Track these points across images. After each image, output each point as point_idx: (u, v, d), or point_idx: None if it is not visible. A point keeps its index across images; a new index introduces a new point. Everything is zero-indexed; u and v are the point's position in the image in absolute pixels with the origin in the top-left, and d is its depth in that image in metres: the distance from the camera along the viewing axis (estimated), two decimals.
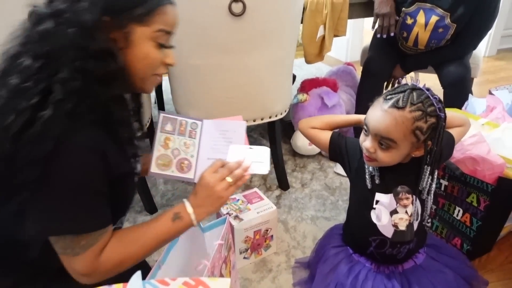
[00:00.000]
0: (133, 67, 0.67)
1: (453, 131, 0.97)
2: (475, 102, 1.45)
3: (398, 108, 0.80)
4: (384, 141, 0.83)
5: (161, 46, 0.70)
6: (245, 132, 0.98)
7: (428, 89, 0.85)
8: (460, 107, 1.46)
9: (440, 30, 1.52)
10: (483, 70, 1.82)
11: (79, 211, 0.62)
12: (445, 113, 0.83)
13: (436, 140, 0.84)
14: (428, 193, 0.91)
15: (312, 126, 1.05)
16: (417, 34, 1.57)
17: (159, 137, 0.92)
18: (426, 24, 1.52)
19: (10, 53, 0.62)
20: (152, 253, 0.73)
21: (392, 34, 1.58)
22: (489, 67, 3.09)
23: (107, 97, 0.64)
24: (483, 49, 3.37)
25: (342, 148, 1.00)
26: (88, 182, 0.62)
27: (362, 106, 1.79)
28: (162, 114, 0.94)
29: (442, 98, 1.59)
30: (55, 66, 0.59)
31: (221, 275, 0.89)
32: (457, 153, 1.14)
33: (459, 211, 1.18)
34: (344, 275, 0.98)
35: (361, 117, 1.02)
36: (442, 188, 1.21)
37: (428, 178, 0.89)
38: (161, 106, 2.20)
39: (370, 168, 0.93)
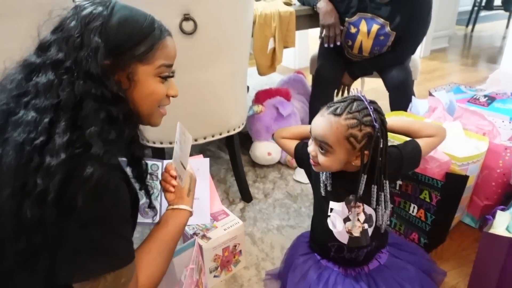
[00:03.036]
0: (140, 105, 0.67)
1: (421, 141, 0.98)
2: (418, 104, 1.55)
3: (335, 115, 0.87)
4: (322, 144, 0.89)
5: (165, 79, 0.70)
6: (209, 169, 1.03)
7: (372, 102, 0.89)
8: (405, 109, 1.56)
9: (382, 37, 1.62)
10: (420, 71, 1.98)
11: (117, 244, 0.62)
12: (382, 125, 0.87)
13: (374, 150, 0.86)
14: (378, 203, 0.92)
15: (282, 136, 1.13)
16: (361, 42, 1.66)
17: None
18: (368, 32, 1.61)
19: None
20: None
21: (338, 43, 1.65)
22: (424, 67, 3.33)
23: (130, 139, 0.65)
24: (418, 50, 3.62)
25: (304, 157, 1.04)
26: (123, 212, 0.63)
27: (314, 112, 1.84)
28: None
29: (388, 101, 1.71)
30: (74, 119, 0.57)
31: None
32: None
33: (414, 207, 1.26)
34: (314, 282, 1.00)
35: None
36: (397, 187, 1.28)
37: (375, 189, 0.90)
38: None
39: (323, 177, 0.97)
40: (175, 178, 0.83)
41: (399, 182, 1.27)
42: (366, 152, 0.87)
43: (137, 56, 0.64)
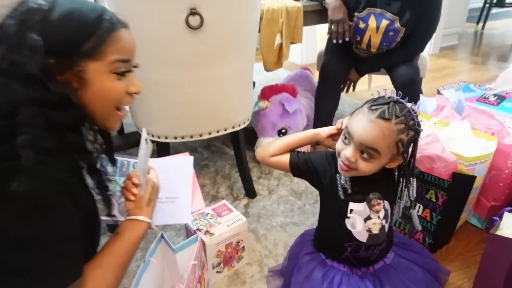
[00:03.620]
0: (93, 106, 0.61)
1: None
2: (426, 102, 1.53)
3: (385, 119, 0.81)
4: (368, 151, 0.83)
5: (122, 75, 0.64)
6: (192, 167, 0.98)
7: (401, 102, 0.88)
8: (412, 101, 1.54)
9: (391, 33, 1.60)
10: (429, 68, 1.96)
11: (55, 265, 0.55)
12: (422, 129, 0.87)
13: (413, 152, 0.88)
14: (401, 198, 0.95)
15: (270, 154, 1.03)
16: (370, 38, 1.64)
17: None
18: (377, 28, 1.59)
19: None
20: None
21: (347, 39, 1.63)
22: (433, 65, 3.29)
23: (79, 145, 0.59)
24: (427, 48, 3.58)
25: (307, 165, 1.00)
26: (64, 229, 0.55)
27: (321, 108, 1.84)
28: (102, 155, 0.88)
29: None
30: (11, 128, 0.51)
31: None
32: None
33: (419, 207, 1.24)
34: (319, 281, 1.00)
35: (317, 130, 1.03)
36: None
37: (408, 187, 0.93)
38: None
39: (342, 180, 0.94)
40: (137, 186, 0.78)
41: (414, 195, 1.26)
42: (405, 155, 0.88)
43: (85, 52, 0.58)
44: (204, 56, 1.17)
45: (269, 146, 1.05)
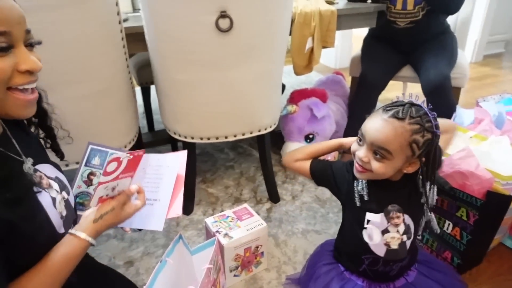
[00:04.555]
0: None
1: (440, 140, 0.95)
2: (463, 114, 1.46)
3: (398, 118, 0.80)
4: (379, 151, 0.82)
5: (4, 51, 0.54)
6: (182, 166, 0.86)
7: (419, 105, 0.85)
8: (447, 117, 1.47)
9: None
10: (469, 77, 1.86)
11: None
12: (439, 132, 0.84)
13: (432, 156, 0.84)
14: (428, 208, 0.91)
15: (295, 159, 1.05)
16: None
17: (83, 171, 0.83)
18: None
19: None
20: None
21: None
22: (475, 73, 3.13)
23: None
24: (469, 54, 3.42)
25: (326, 172, 1.00)
26: None
27: (355, 117, 1.80)
28: (90, 146, 0.85)
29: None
30: None
31: None
32: (446, 168, 1.14)
33: (449, 224, 1.18)
34: None
35: (342, 140, 1.03)
36: None
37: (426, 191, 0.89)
38: (149, 115, 2.17)
39: (359, 187, 0.93)
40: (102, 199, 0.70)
41: (434, 201, 1.20)
42: (423, 159, 0.84)
43: None
44: (231, 58, 1.17)
45: (296, 152, 1.07)
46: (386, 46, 1.82)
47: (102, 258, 1.30)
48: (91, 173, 0.83)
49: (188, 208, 1.51)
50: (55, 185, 0.68)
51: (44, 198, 0.63)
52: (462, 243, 1.15)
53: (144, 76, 1.88)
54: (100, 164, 0.83)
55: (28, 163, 0.64)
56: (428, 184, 0.87)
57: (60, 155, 0.75)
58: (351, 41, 3.38)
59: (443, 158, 1.12)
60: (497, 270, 1.22)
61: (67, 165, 1.10)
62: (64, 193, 0.71)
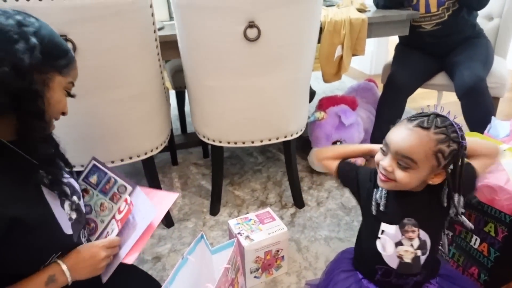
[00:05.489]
0: (46, 110, 0.70)
1: (476, 163, 0.90)
2: (499, 125, 1.40)
3: (423, 128, 0.80)
4: (403, 160, 0.82)
5: (69, 95, 0.77)
6: (151, 219, 0.80)
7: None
8: (481, 127, 1.42)
9: None
10: (509, 87, 1.78)
11: None
12: (465, 142, 0.83)
13: (459, 168, 0.83)
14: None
15: (325, 157, 1.08)
16: None
17: (79, 184, 0.86)
18: None
19: None
20: None
21: None
22: None
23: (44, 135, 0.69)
24: (511, 63, 3.23)
25: (351, 175, 1.01)
26: None
27: (382, 120, 1.78)
28: (93, 162, 0.88)
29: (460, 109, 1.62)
30: None
31: None
32: None
33: (476, 239, 1.15)
34: None
35: (372, 146, 1.03)
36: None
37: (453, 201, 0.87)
38: (182, 118, 2.25)
39: (377, 195, 0.93)
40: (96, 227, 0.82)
41: (461, 210, 1.17)
42: (449, 170, 0.84)
43: (58, 65, 0.71)
44: (259, 66, 1.21)
45: (327, 150, 1.11)
46: (418, 52, 1.79)
47: None
48: (85, 190, 0.87)
49: (215, 209, 1.56)
50: (66, 189, 0.77)
51: (50, 196, 0.72)
52: (490, 260, 1.11)
53: (179, 80, 1.96)
54: (96, 184, 0.85)
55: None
56: (456, 196, 0.85)
57: (70, 167, 0.85)
58: (387, 47, 3.32)
59: None
60: None
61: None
62: (74, 197, 0.80)
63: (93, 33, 1.03)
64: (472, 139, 0.89)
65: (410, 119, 0.84)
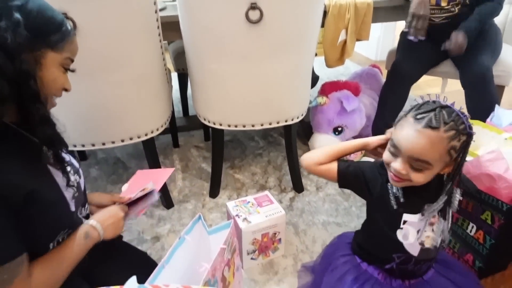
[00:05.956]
0: (41, 88, 0.68)
1: None
2: (502, 114, 1.39)
3: (433, 128, 0.77)
4: (417, 163, 0.80)
5: (67, 71, 0.73)
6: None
7: (448, 106, 0.82)
8: (484, 115, 1.41)
9: None
10: None
11: None
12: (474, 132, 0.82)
13: (463, 157, 0.83)
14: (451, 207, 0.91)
15: (318, 162, 1.00)
16: None
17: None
18: None
19: None
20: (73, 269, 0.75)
21: (423, 38, 1.54)
22: None
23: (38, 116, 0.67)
24: None
25: (356, 174, 0.97)
26: None
27: (385, 106, 1.76)
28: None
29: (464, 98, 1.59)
30: None
31: (223, 277, 0.93)
32: (474, 169, 1.10)
33: (472, 227, 1.15)
34: (349, 284, 0.98)
35: (366, 140, 0.99)
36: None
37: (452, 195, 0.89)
38: (184, 101, 2.25)
39: (394, 189, 0.91)
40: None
41: (459, 198, 1.17)
42: (459, 159, 0.83)
43: (50, 42, 0.67)
44: (261, 49, 1.20)
45: (315, 154, 1.01)
46: (424, 41, 1.76)
47: (133, 232, 1.40)
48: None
49: (214, 191, 1.58)
50: (69, 168, 0.78)
51: (56, 174, 0.74)
52: (485, 247, 1.12)
53: (182, 62, 1.95)
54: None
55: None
56: (455, 189, 0.87)
57: (65, 147, 0.84)
58: (394, 33, 3.27)
59: (471, 158, 1.09)
60: None
61: (93, 145, 1.22)
62: (76, 176, 0.81)
63: (93, 12, 1.02)
64: None
65: (417, 118, 0.80)
